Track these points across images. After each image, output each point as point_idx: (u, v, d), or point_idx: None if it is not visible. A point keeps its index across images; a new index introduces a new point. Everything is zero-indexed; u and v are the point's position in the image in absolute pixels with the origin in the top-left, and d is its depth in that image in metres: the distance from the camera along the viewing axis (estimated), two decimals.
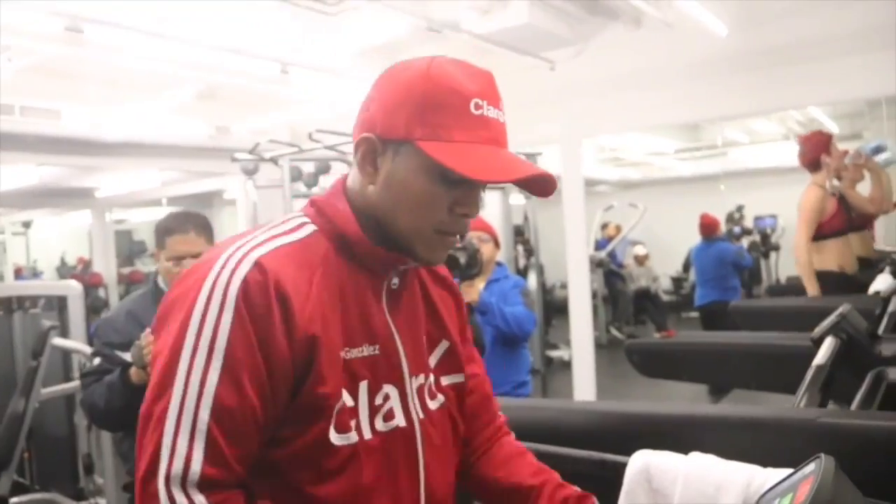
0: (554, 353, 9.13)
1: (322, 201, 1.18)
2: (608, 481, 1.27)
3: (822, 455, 0.81)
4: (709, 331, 7.24)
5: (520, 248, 9.18)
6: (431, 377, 1.25)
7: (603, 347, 9.41)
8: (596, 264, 10.00)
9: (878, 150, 4.42)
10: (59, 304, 5.10)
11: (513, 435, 1.42)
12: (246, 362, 1.02)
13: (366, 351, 1.13)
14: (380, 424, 1.14)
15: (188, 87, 5.54)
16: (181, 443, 0.99)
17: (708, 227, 7.77)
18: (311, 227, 1.15)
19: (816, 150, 4.29)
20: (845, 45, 4.40)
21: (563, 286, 8.06)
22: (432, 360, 1.27)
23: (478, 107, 1.07)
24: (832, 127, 9.09)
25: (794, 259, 4.24)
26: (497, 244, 3.70)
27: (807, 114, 8.91)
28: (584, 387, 5.61)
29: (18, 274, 12.77)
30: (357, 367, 1.11)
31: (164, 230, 2.51)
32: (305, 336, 1.04)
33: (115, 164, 7.06)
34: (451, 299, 1.35)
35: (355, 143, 1.12)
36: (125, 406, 2.26)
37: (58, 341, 4.30)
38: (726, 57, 4.81)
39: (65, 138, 5.63)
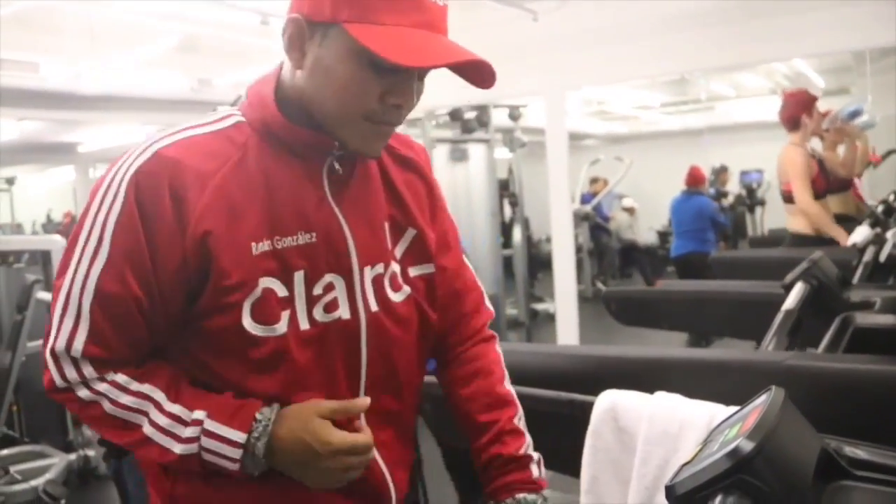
0: (539, 306, 9.18)
1: (250, 90, 1.15)
2: (575, 420, 1.30)
3: (773, 387, 0.83)
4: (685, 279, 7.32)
5: (505, 201, 9.19)
6: (397, 267, 1.20)
7: (588, 301, 9.47)
8: (582, 218, 10.02)
9: (855, 114, 4.39)
10: (42, 259, 5.09)
11: (495, 341, 1.36)
12: (131, 252, 1.04)
13: (300, 239, 1.08)
14: (319, 315, 1.11)
15: (168, 40, 5.47)
16: (66, 322, 1.06)
17: (694, 178, 7.83)
18: (236, 118, 1.11)
19: (797, 109, 4.27)
20: None
21: (549, 240, 8.09)
22: (398, 250, 1.22)
23: None
24: (818, 81, 9.09)
25: (798, 217, 4.22)
26: None
27: (793, 67, 8.88)
28: (568, 340, 5.66)
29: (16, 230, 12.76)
30: (289, 256, 1.08)
31: None
32: (199, 231, 1.03)
33: (96, 118, 7.00)
34: (421, 183, 1.28)
35: (284, 25, 1.07)
36: None
37: (42, 295, 4.31)
38: (712, 8, 4.77)
39: (44, 91, 5.56)
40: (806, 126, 4.23)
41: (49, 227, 12.87)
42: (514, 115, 7.96)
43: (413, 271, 1.23)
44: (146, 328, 1.07)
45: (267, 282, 1.06)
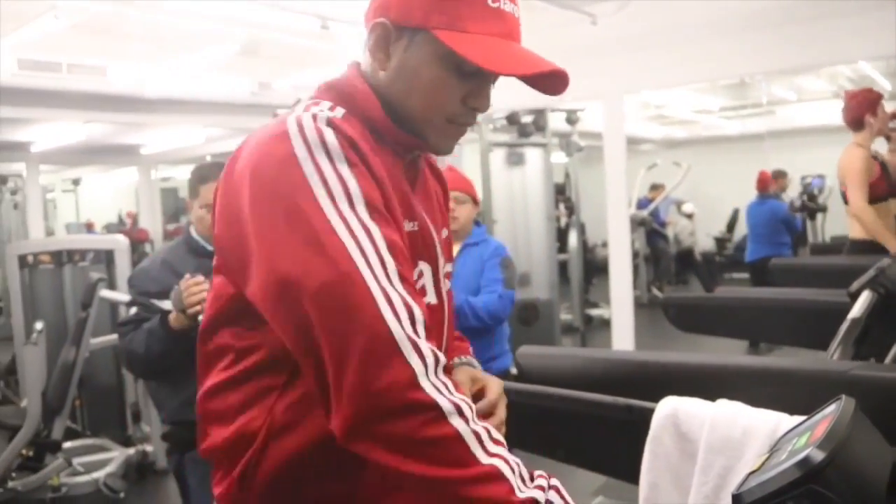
0: (594, 312, 9.12)
1: (343, 84, 1.15)
2: (636, 426, 1.28)
3: (843, 396, 0.81)
4: (759, 286, 7.26)
5: (561, 206, 9.14)
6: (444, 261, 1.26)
7: (643, 307, 9.38)
8: (638, 223, 9.92)
9: None
10: (106, 258, 5.23)
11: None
12: (377, 199, 1.01)
13: (407, 226, 1.12)
14: None
15: (230, 44, 5.56)
16: (394, 293, 0.95)
17: (763, 183, 7.79)
18: (341, 110, 1.11)
19: (861, 108, 4.14)
20: None
21: (605, 245, 8.03)
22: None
23: (494, 0, 1.06)
24: (884, 84, 8.85)
25: (857, 223, 4.10)
26: (476, 202, 3.29)
27: (858, 70, 8.67)
28: (623, 345, 5.61)
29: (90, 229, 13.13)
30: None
31: (199, 178, 2.55)
32: (385, 196, 1.04)
33: (159, 121, 7.14)
34: (442, 191, 1.36)
35: (369, 27, 1.10)
36: (164, 352, 2.32)
37: (105, 293, 4.42)
38: (773, 9, 4.68)
39: (110, 95, 5.70)
40: (871, 125, 4.10)
41: (111, 227, 13.18)
42: (572, 118, 7.92)
43: (447, 267, 1.30)
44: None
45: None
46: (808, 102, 11.03)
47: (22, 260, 5.02)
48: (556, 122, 7.80)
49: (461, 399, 0.94)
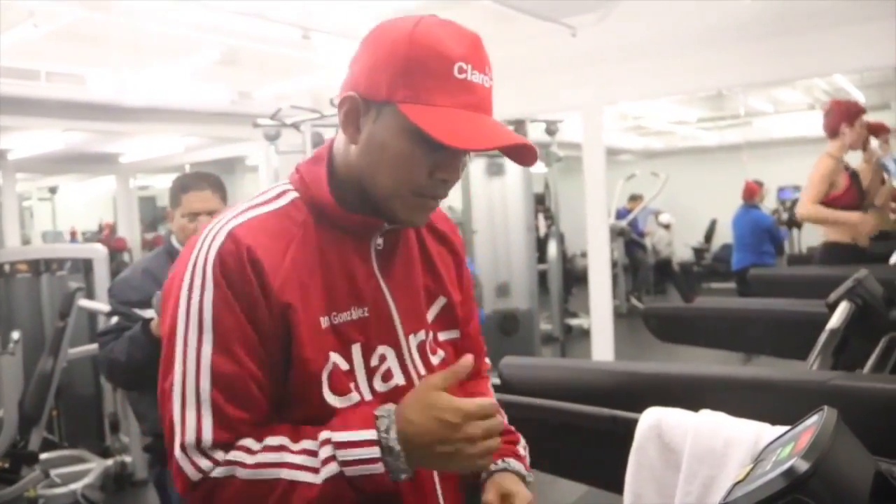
0: (573, 322, 9.14)
1: (303, 168, 1.18)
2: (620, 437, 1.29)
3: (826, 407, 0.83)
4: (744, 294, 7.38)
5: (540, 216, 9.16)
6: (431, 333, 1.25)
7: (622, 317, 9.43)
8: (617, 233, 9.98)
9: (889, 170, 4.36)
10: (84, 267, 5.18)
11: (490, 380, 1.43)
12: (234, 330, 1.05)
13: (354, 314, 1.13)
14: (378, 385, 1.15)
15: (210, 52, 5.55)
16: (189, 415, 1.04)
17: (748, 193, 7.95)
18: (292, 195, 1.15)
19: (839, 117, 4.21)
20: (873, 10, 4.32)
21: (584, 255, 8.06)
22: (430, 316, 1.27)
23: (461, 70, 1.05)
24: (859, 96, 8.97)
25: (804, 219, 4.22)
26: None
27: (833, 83, 8.79)
28: (603, 356, 5.64)
29: (73, 237, 13.04)
30: (347, 331, 1.12)
31: (180, 187, 2.55)
32: (280, 304, 1.06)
33: (139, 129, 7.11)
34: (451, 257, 1.34)
35: (339, 102, 1.12)
36: (146, 359, 2.29)
37: (84, 303, 4.38)
38: (750, 23, 4.74)
39: (89, 103, 5.68)
40: (844, 136, 4.17)
41: (92, 236, 13.08)
42: (551, 129, 7.95)
43: (442, 336, 1.28)
44: (266, 405, 1.08)
45: (333, 356, 1.11)
46: (784, 114, 11.15)
47: None
48: (535, 132, 7.83)
49: (231, 456, 1.04)
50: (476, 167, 6.95)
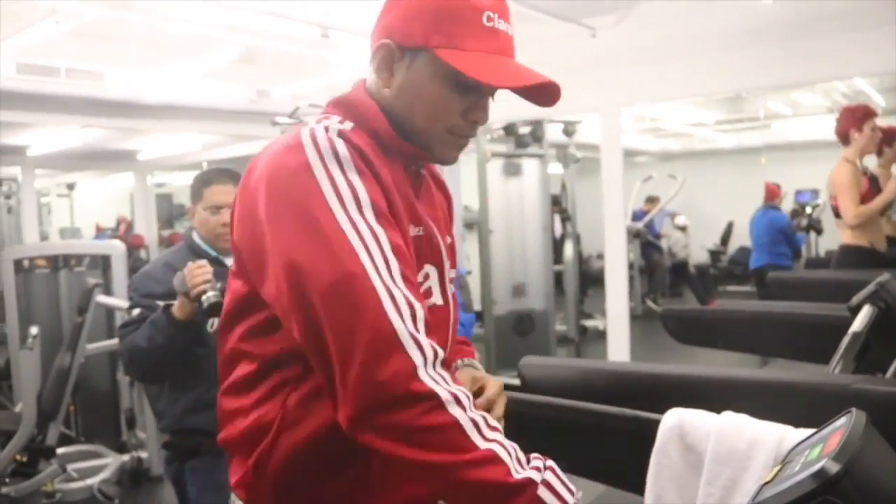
0: (589, 323, 9.13)
1: (351, 100, 1.22)
2: (641, 438, 1.29)
3: (854, 409, 0.82)
4: (762, 293, 7.38)
5: (557, 217, 9.15)
6: (448, 264, 1.32)
7: (638, 318, 9.39)
8: (633, 235, 9.95)
9: None
10: (102, 264, 5.22)
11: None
12: (384, 207, 1.09)
13: (413, 231, 1.19)
14: None
15: (229, 51, 5.57)
16: (397, 291, 1.02)
17: (769, 194, 8.01)
18: (349, 123, 1.18)
19: (847, 123, 4.22)
20: (892, 13, 4.28)
21: (600, 256, 8.04)
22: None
23: (489, 19, 1.13)
24: (878, 100, 8.91)
25: (847, 229, 4.20)
26: None
27: (853, 86, 8.72)
28: (619, 357, 5.61)
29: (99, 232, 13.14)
30: (414, 245, 1.18)
31: (203, 181, 2.56)
32: (391, 202, 1.12)
33: (157, 127, 7.14)
34: (447, 204, 1.43)
35: (374, 48, 1.18)
36: (167, 342, 2.29)
37: (102, 299, 4.41)
38: (769, 25, 4.71)
39: (108, 100, 5.70)
40: (855, 141, 4.18)
41: (109, 233, 13.16)
42: (569, 130, 7.95)
43: (449, 274, 1.34)
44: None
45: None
46: (803, 117, 11.08)
47: (18, 264, 5.00)
48: (553, 133, 7.82)
49: (459, 390, 1.02)
50: (494, 167, 6.95)
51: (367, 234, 1.03)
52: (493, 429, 1.02)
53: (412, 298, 1.03)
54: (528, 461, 1.03)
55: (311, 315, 1.03)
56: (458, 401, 1.00)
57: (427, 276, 1.23)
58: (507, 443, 1.02)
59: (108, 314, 4.97)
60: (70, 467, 4.29)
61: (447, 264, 1.29)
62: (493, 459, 0.99)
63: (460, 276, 3.08)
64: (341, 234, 1.02)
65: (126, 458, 4.76)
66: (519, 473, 0.99)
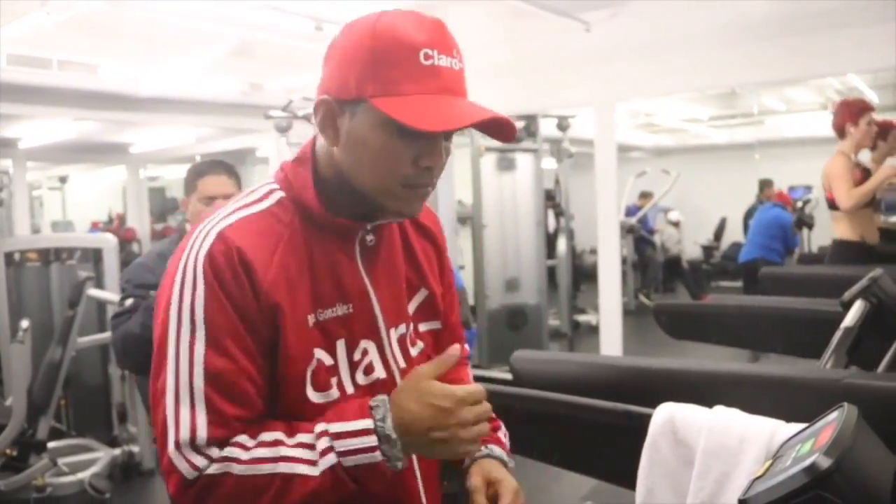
0: (582, 318, 9.13)
1: (289, 169, 1.20)
2: (633, 432, 1.29)
3: (846, 404, 0.82)
4: (749, 286, 7.41)
5: (550, 212, 9.16)
6: (411, 325, 1.28)
7: (631, 313, 9.40)
8: (626, 230, 9.95)
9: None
10: (94, 257, 5.19)
11: (469, 367, 1.48)
12: (226, 327, 1.06)
13: (339, 311, 1.16)
14: (361, 378, 1.18)
15: (222, 44, 5.54)
16: (183, 412, 1.05)
17: (780, 198, 8.13)
18: (279, 195, 1.17)
19: (844, 117, 4.25)
20: (886, 11, 4.29)
21: (593, 251, 8.05)
22: (411, 307, 1.29)
23: (427, 57, 1.06)
24: (872, 96, 8.92)
25: (841, 224, 4.22)
26: None
27: (846, 82, 8.73)
28: (611, 352, 5.61)
29: (95, 227, 13.09)
30: (332, 327, 1.15)
31: (196, 173, 2.57)
32: (269, 304, 1.08)
33: (150, 120, 7.09)
34: (433, 250, 1.37)
35: (314, 107, 1.14)
36: None
37: (93, 292, 4.39)
38: (763, 21, 4.72)
39: (101, 93, 5.67)
40: (851, 135, 4.20)
41: (103, 227, 13.12)
42: (563, 125, 7.94)
43: (423, 327, 1.31)
44: (261, 401, 1.10)
45: (318, 352, 1.13)
46: (796, 113, 11.09)
47: (8, 257, 4.97)
48: (547, 128, 7.81)
49: (227, 452, 1.04)
50: (487, 162, 6.94)
51: (185, 358, 1.05)
52: (274, 444, 1.05)
53: (198, 423, 1.04)
54: (316, 441, 1.05)
55: None
56: (231, 459, 1.04)
57: (365, 352, 1.19)
58: (289, 443, 1.05)
59: (100, 308, 4.95)
60: (61, 461, 4.27)
61: (392, 333, 1.23)
62: (290, 479, 1.03)
63: (459, 291, 3.01)
64: (165, 353, 1.07)
65: (117, 452, 4.74)
66: (317, 467, 1.03)
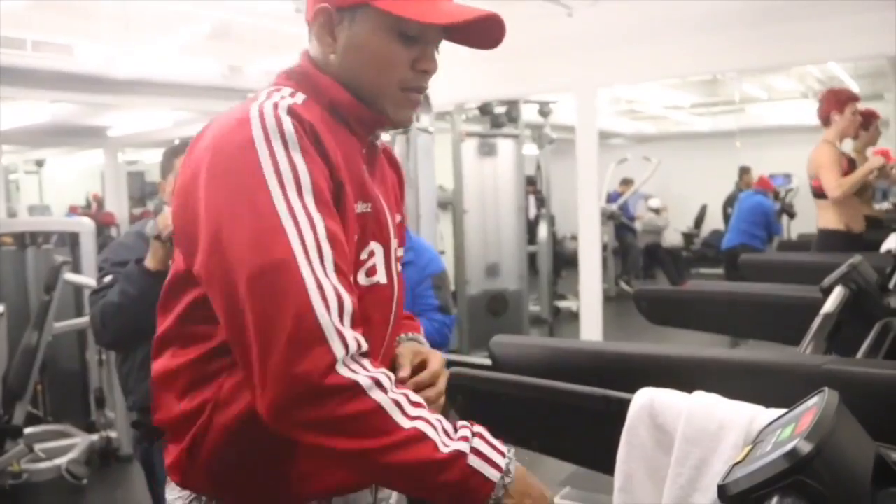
0: (562, 304, 9.16)
1: (302, 71, 1.20)
2: (611, 417, 1.27)
3: (826, 389, 0.81)
4: (730, 274, 7.46)
5: (531, 198, 9.16)
6: (396, 243, 1.30)
7: (611, 300, 9.44)
8: (607, 217, 9.98)
9: None
10: (71, 241, 5.14)
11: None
12: (326, 191, 1.05)
13: (360, 208, 1.16)
14: (362, 279, 1.18)
15: (201, 26, 5.47)
16: (327, 282, 0.98)
17: (762, 183, 8.29)
18: (301, 96, 1.15)
19: (829, 105, 4.28)
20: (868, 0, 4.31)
21: (574, 238, 8.05)
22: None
23: None
24: (853, 86, 8.98)
25: (826, 213, 4.25)
26: None
27: (827, 71, 8.78)
28: (591, 338, 5.63)
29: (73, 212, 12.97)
30: (357, 221, 1.16)
31: (173, 152, 2.55)
32: (338, 182, 1.08)
33: (127, 102, 7.01)
34: (399, 184, 1.41)
35: (311, 18, 1.16)
36: (140, 294, 2.24)
37: (70, 277, 4.35)
38: (746, 8, 4.72)
39: (77, 74, 5.58)
40: (836, 123, 4.22)
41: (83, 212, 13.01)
42: (544, 111, 7.93)
43: (399, 251, 1.33)
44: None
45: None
46: (777, 102, 11.14)
47: None
48: (528, 113, 7.80)
49: (380, 373, 1.00)
50: (468, 147, 6.92)
51: (304, 219, 0.99)
52: (417, 405, 1.01)
53: (342, 291, 0.99)
54: (456, 430, 1.03)
55: (235, 297, 1.00)
56: (378, 384, 0.99)
57: (372, 254, 1.20)
58: (433, 417, 1.02)
59: (77, 293, 4.90)
60: (37, 447, 4.24)
61: (394, 242, 1.26)
62: (419, 438, 0.98)
63: (436, 276, 2.94)
64: (276, 218, 0.98)
65: (95, 437, 4.71)
66: (447, 447, 0.99)
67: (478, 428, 1.04)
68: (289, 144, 1.02)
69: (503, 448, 1.04)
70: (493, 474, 1.01)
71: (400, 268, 1.31)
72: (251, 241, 0.98)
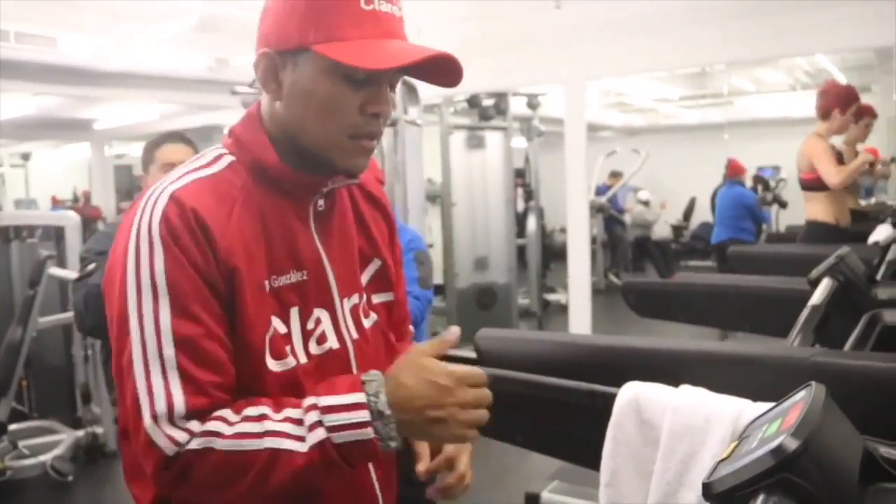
0: (551, 297, 9.16)
1: (238, 130, 1.16)
2: (597, 412, 1.26)
3: (814, 383, 0.79)
4: (722, 268, 7.46)
5: (519, 191, 9.15)
6: (364, 296, 1.26)
7: (600, 293, 9.44)
8: (596, 210, 9.98)
9: None
10: (56, 235, 5.10)
11: (412, 343, 1.48)
12: (190, 291, 1.02)
13: (293, 277, 1.13)
14: (314, 348, 1.15)
15: (188, 18, 5.43)
16: (156, 383, 0.99)
17: (734, 170, 8.04)
18: (228, 159, 1.13)
19: (832, 101, 4.23)
20: None
21: (563, 230, 8.05)
22: (364, 278, 1.27)
23: (368, 2, 1.05)
24: (840, 78, 8.99)
25: (813, 205, 4.24)
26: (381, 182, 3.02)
27: (815, 63, 8.79)
28: (580, 331, 5.63)
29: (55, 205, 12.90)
30: (286, 295, 1.12)
31: (154, 144, 2.56)
32: (227, 267, 1.05)
33: (113, 95, 6.97)
34: (383, 220, 1.35)
35: (254, 62, 1.11)
36: None
37: (55, 271, 4.31)
38: (734, 1, 4.73)
39: (62, 67, 5.54)
40: (834, 119, 4.20)
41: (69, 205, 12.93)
42: (533, 103, 7.91)
43: (376, 298, 1.30)
44: (231, 366, 1.05)
45: (274, 320, 1.10)
46: (766, 94, 11.16)
47: None
48: (517, 106, 7.78)
49: (211, 423, 0.99)
50: (456, 140, 6.91)
51: (150, 327, 1.00)
52: (259, 419, 1.00)
53: (175, 394, 0.99)
54: (306, 413, 1.01)
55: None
56: (215, 434, 0.99)
57: (318, 321, 1.16)
58: (278, 417, 1.01)
59: (62, 287, 4.86)
60: (22, 444, 4.22)
61: (345, 303, 1.21)
62: (275, 456, 0.98)
63: (420, 251, 3.00)
64: (127, 325, 1.02)
65: (81, 433, 4.67)
66: (306, 443, 0.98)
67: (323, 400, 1.01)
68: (154, 251, 1.02)
69: (354, 398, 1.01)
70: (365, 433, 0.99)
71: (374, 318, 1.27)
72: (114, 342, 1.05)
